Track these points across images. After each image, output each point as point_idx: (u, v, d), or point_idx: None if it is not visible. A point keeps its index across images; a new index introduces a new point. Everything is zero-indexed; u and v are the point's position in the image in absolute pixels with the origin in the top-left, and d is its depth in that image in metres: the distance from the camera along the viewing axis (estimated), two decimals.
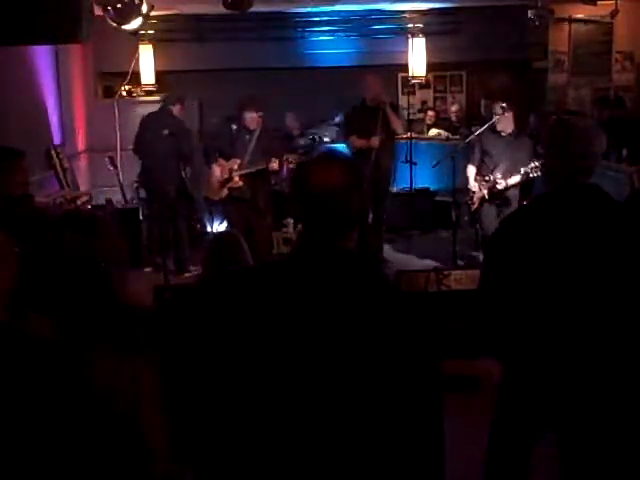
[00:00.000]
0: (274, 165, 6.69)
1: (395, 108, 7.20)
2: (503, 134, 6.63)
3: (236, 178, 6.68)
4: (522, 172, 6.43)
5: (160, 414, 2.13)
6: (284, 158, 6.95)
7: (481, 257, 6.66)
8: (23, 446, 1.96)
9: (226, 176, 6.70)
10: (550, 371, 2.65)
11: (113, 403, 2.03)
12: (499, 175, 6.59)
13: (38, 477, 1.98)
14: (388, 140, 6.97)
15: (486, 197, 6.69)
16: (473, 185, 6.76)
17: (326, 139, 9.24)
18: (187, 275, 6.95)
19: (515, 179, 6.52)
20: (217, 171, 6.73)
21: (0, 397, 1.95)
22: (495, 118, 6.68)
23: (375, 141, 6.76)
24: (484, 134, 6.84)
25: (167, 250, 6.92)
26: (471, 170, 6.83)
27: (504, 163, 6.60)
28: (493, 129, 6.74)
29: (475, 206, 6.80)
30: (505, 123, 6.63)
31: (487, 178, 6.67)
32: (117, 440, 2.04)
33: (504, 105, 6.64)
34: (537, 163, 6.18)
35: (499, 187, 6.59)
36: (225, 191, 6.75)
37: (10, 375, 1.96)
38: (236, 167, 6.68)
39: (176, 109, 7.21)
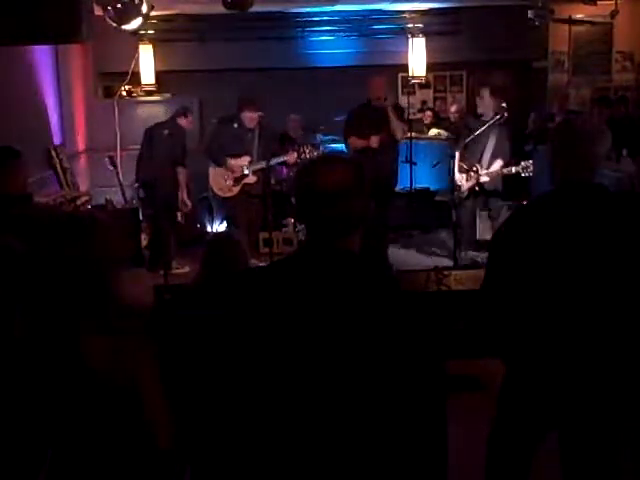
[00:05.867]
0: (291, 157, 6.87)
1: (399, 111, 7.17)
2: (484, 118, 6.58)
3: (251, 174, 6.93)
4: (501, 164, 6.43)
5: (160, 392, 2.20)
6: (301, 150, 6.98)
7: (480, 258, 6.66)
8: (33, 417, 2.14)
9: (241, 173, 6.93)
10: (554, 370, 2.64)
11: (112, 379, 2.11)
12: (484, 165, 6.54)
13: (41, 446, 2.17)
14: (389, 141, 6.91)
15: (476, 188, 6.59)
16: (459, 177, 6.64)
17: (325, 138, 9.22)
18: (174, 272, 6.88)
19: (494, 167, 6.48)
20: (231, 168, 6.91)
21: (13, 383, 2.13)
22: (478, 100, 6.66)
23: (375, 141, 6.74)
24: (469, 118, 6.84)
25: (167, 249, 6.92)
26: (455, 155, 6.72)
27: (488, 150, 6.56)
28: (475, 113, 6.74)
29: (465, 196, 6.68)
30: (485, 107, 6.59)
31: (474, 168, 6.58)
32: (118, 411, 2.14)
33: (488, 89, 6.62)
34: (528, 163, 6.19)
35: (482, 178, 6.53)
36: (237, 188, 6.95)
37: (17, 366, 2.15)
38: (247, 164, 6.91)
39: (180, 120, 7.23)
